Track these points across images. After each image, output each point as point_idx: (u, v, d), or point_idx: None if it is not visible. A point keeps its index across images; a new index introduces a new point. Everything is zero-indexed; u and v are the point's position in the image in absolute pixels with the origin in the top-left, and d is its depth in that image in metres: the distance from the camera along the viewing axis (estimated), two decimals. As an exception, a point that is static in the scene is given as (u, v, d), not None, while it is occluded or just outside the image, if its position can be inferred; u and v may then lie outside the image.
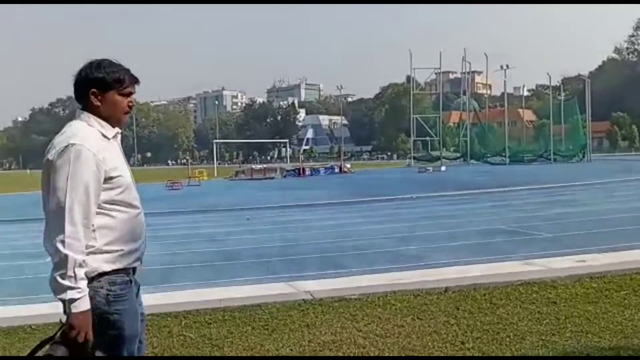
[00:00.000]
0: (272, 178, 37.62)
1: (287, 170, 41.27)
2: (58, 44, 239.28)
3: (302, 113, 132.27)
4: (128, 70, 2.29)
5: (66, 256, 1.99)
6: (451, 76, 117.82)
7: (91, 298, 2.07)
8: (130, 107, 2.29)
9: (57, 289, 2.02)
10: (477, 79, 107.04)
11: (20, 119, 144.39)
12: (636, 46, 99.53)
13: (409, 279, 6.00)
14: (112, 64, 2.25)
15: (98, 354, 2.12)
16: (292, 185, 29.97)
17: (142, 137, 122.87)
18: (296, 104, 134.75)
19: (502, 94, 61.17)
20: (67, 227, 2.01)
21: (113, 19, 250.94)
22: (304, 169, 41.38)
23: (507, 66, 55.49)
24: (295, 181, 34.41)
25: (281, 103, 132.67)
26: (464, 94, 62.17)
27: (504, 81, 56.94)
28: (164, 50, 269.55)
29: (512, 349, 3.96)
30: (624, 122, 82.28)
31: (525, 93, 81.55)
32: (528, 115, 79.69)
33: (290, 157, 78.78)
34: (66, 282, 1.99)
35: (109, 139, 2.24)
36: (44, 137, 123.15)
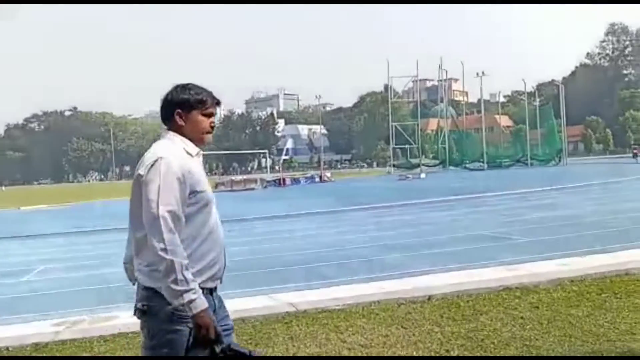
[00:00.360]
0: (253, 189, 37.48)
1: (268, 181, 41.17)
2: (32, 59, 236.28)
3: (281, 123, 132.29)
4: (210, 93, 2.45)
5: (172, 262, 2.08)
6: (428, 84, 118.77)
7: (158, 311, 2.17)
8: (212, 127, 2.44)
9: (173, 296, 2.10)
10: (454, 86, 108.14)
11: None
12: (607, 51, 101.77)
13: (392, 288, 5.98)
14: (196, 87, 2.43)
15: None
16: (273, 195, 29.88)
17: (120, 150, 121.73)
18: (275, 114, 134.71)
19: (479, 100, 61.84)
20: (166, 235, 2.10)
21: (91, 33, 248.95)
22: (284, 179, 41.32)
23: (483, 73, 56.15)
24: (276, 192, 34.32)
25: (260, 113, 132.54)
26: (442, 101, 62.82)
27: (480, 88, 57.59)
28: (140, 62, 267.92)
29: (497, 355, 3.96)
30: (597, 126, 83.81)
31: (501, 99, 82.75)
32: (505, 121, 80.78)
33: (270, 168, 78.62)
34: (180, 287, 2.08)
35: (192, 156, 2.35)
36: (20, 153, 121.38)
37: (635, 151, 50.21)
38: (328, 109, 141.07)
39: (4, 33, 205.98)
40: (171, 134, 2.37)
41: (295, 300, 5.61)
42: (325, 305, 5.34)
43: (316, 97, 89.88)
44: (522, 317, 4.72)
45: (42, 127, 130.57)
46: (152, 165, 2.20)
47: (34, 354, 4.63)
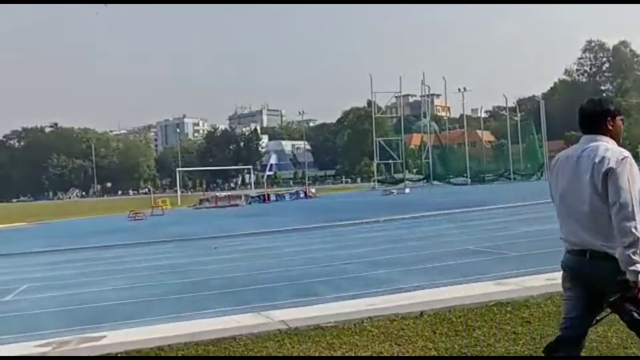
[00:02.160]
0: (237, 205, 37.29)
1: (252, 197, 41.03)
2: (9, 72, 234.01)
3: (264, 139, 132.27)
4: (618, 103, 3.14)
5: (638, 239, 2.64)
6: (411, 99, 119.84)
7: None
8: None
9: (628, 263, 2.65)
10: (436, 101, 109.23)
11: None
12: (585, 67, 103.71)
13: (383, 304, 5.96)
14: (612, 100, 3.31)
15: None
16: (258, 211, 29.74)
17: (101, 167, 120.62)
18: (258, 130, 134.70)
19: (461, 115, 62.54)
20: (638, 217, 2.67)
21: (71, 46, 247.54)
22: (269, 195, 41.22)
23: (465, 89, 56.89)
24: (261, 207, 34.19)
25: (243, 129, 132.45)
26: (424, 116, 63.29)
27: (462, 103, 58.35)
28: (123, 78, 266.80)
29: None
30: (576, 141, 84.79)
31: (483, 115, 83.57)
32: (487, 136, 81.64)
33: (254, 183, 78.36)
34: (636, 258, 2.64)
35: None
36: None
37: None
38: (312, 124, 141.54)
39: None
40: (605, 137, 2.95)
41: (286, 318, 5.56)
42: (317, 322, 5.29)
43: (299, 112, 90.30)
44: (514, 332, 4.72)
45: (22, 143, 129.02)
46: (622, 160, 2.77)
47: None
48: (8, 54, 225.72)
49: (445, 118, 78.89)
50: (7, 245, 18.06)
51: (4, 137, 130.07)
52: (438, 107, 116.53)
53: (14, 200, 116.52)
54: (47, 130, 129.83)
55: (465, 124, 57.85)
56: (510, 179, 51.67)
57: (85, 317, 6.78)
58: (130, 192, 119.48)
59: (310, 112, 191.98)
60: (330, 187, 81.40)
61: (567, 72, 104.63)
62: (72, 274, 10.97)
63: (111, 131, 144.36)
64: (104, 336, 5.43)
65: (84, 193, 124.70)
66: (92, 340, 5.32)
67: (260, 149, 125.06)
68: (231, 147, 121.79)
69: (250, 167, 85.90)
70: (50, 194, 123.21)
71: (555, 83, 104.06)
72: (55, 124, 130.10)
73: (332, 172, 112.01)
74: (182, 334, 5.28)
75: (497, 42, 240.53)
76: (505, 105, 61.38)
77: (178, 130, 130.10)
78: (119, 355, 4.75)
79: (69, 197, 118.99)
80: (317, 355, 4.48)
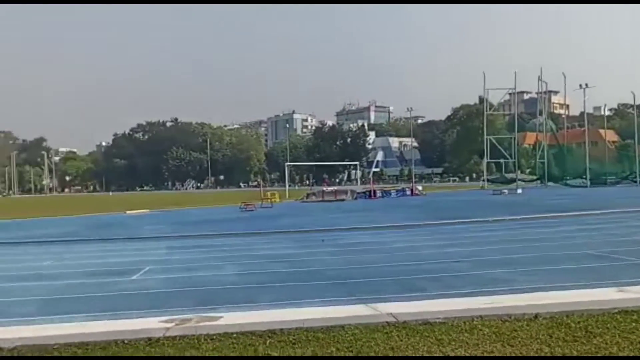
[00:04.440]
0: (343, 200, 37.69)
1: (358, 193, 41.22)
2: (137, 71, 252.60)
3: (371, 135, 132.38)
4: None
5: None
6: (525, 96, 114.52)
7: None
8: None
9: None
10: (554, 99, 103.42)
11: (104, 143, 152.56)
12: None
13: (495, 304, 5.79)
14: None
15: None
16: (364, 207, 29.86)
17: (215, 160, 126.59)
18: (366, 127, 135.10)
19: (581, 113, 58.84)
20: None
21: (191, 44, 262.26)
22: (375, 191, 41.22)
23: (587, 85, 53.29)
24: (367, 203, 34.28)
25: (351, 125, 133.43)
26: (540, 114, 60.19)
27: (584, 101, 54.63)
28: (237, 75, 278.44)
29: None
30: None
31: (607, 112, 77.96)
32: (610, 135, 76.07)
33: (360, 179, 78.66)
34: None
35: None
36: (125, 160, 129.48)
37: None
38: (419, 121, 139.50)
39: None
40: None
41: (395, 311, 5.56)
42: (426, 318, 5.26)
43: (407, 109, 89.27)
44: (641, 342, 4.41)
45: (146, 137, 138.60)
46: None
47: (147, 348, 4.89)
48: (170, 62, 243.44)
49: (563, 116, 74.45)
50: (132, 230, 19.55)
51: (131, 130, 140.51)
52: (555, 105, 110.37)
53: (138, 189, 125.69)
54: (168, 124, 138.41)
55: (586, 122, 54.25)
56: (635, 182, 47.81)
57: (203, 298, 7.19)
58: (241, 184, 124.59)
59: (418, 110, 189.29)
60: (437, 185, 79.81)
61: None
62: (189, 258, 11.66)
63: (225, 126, 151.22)
64: (221, 317, 5.74)
65: (199, 184, 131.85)
66: (211, 319, 5.64)
67: (367, 145, 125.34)
68: (338, 142, 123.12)
69: (357, 163, 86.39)
70: (170, 184, 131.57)
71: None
72: (176, 119, 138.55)
73: (439, 170, 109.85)
74: (292, 319, 5.46)
75: (622, 33, 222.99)
76: (633, 102, 56.66)
77: (287, 125, 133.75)
78: (234, 334, 5.01)
79: (186, 188, 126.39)
80: (425, 349, 4.46)
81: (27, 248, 15.07)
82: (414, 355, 4.37)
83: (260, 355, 4.55)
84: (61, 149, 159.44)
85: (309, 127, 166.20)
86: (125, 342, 5.08)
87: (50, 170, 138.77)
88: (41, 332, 5.54)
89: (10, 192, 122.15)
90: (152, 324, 5.66)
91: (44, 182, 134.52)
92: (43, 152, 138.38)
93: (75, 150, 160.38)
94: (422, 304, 6.03)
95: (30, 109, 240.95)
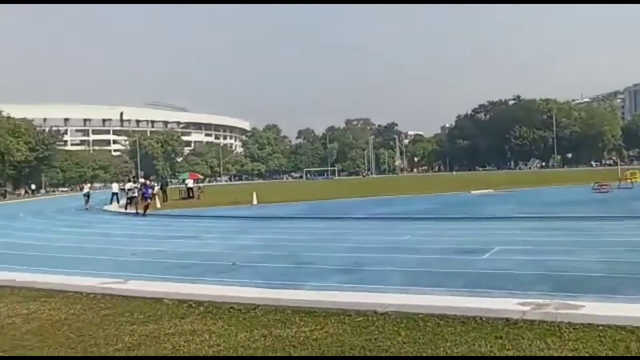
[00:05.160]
0: None
1: None
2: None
3: None
4: None
5: None
6: None
7: None
8: None
9: None
10: None
11: (447, 125, 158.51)
12: None
13: None
14: None
15: None
16: None
17: (562, 137, 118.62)
18: None
19: None
20: None
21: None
22: None
23: None
24: None
25: None
26: None
27: None
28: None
29: None
30: None
31: None
32: None
33: None
34: None
35: None
36: (467, 141, 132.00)
37: None
38: None
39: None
40: None
41: None
42: None
43: None
44: None
45: (488, 117, 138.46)
46: None
47: (505, 329, 4.95)
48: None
49: None
50: (478, 209, 19.86)
51: (473, 111, 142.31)
52: None
53: (479, 169, 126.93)
54: (511, 102, 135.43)
55: None
56: None
57: (557, 284, 6.90)
58: (593, 163, 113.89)
59: None
60: None
61: None
62: (541, 240, 11.28)
63: (573, 100, 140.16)
64: (583, 306, 5.42)
65: (543, 163, 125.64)
66: (571, 307, 5.38)
67: None
68: None
69: None
70: (512, 163, 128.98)
71: None
72: (518, 97, 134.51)
73: None
74: None
75: None
76: None
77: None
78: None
79: (529, 168, 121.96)
80: None
81: (387, 223, 16.81)
82: None
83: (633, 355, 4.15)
84: (410, 132, 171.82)
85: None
86: (484, 319, 5.26)
87: (401, 152, 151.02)
88: (409, 300, 6.16)
89: (369, 172, 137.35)
90: (508, 304, 5.69)
91: (396, 163, 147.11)
92: (395, 135, 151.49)
93: (422, 133, 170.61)
94: None
95: (386, 97, 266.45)
